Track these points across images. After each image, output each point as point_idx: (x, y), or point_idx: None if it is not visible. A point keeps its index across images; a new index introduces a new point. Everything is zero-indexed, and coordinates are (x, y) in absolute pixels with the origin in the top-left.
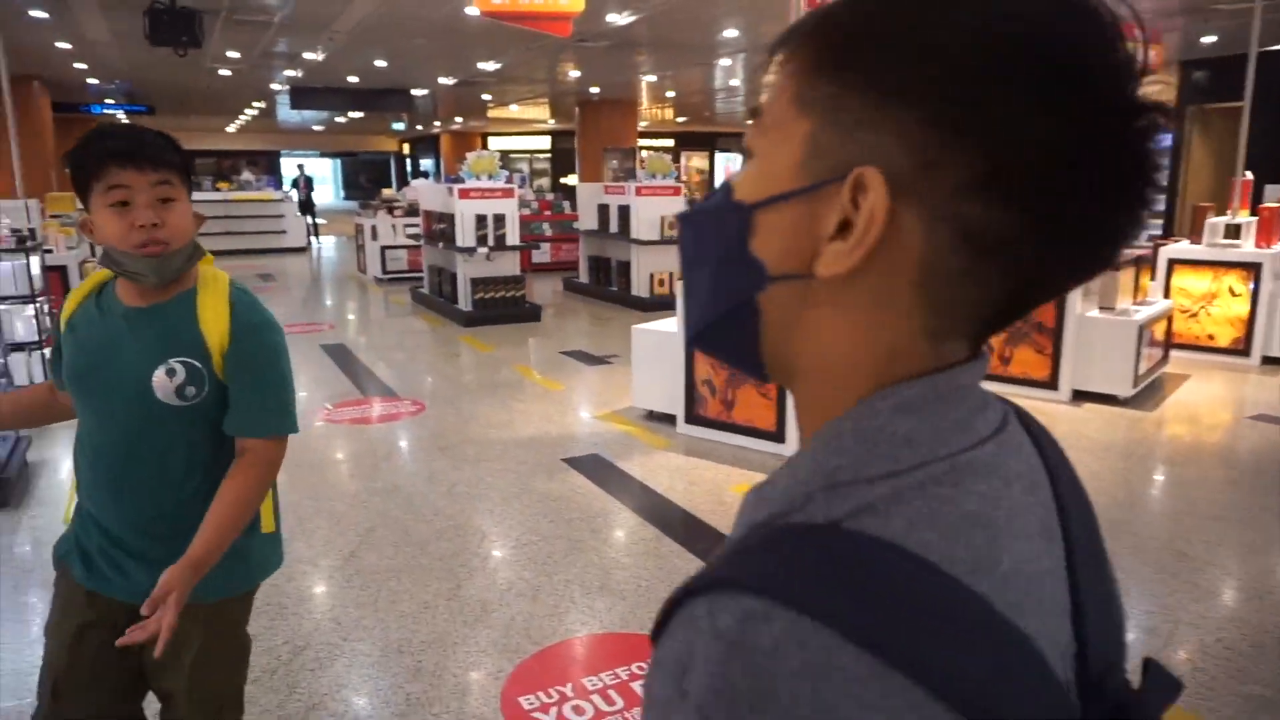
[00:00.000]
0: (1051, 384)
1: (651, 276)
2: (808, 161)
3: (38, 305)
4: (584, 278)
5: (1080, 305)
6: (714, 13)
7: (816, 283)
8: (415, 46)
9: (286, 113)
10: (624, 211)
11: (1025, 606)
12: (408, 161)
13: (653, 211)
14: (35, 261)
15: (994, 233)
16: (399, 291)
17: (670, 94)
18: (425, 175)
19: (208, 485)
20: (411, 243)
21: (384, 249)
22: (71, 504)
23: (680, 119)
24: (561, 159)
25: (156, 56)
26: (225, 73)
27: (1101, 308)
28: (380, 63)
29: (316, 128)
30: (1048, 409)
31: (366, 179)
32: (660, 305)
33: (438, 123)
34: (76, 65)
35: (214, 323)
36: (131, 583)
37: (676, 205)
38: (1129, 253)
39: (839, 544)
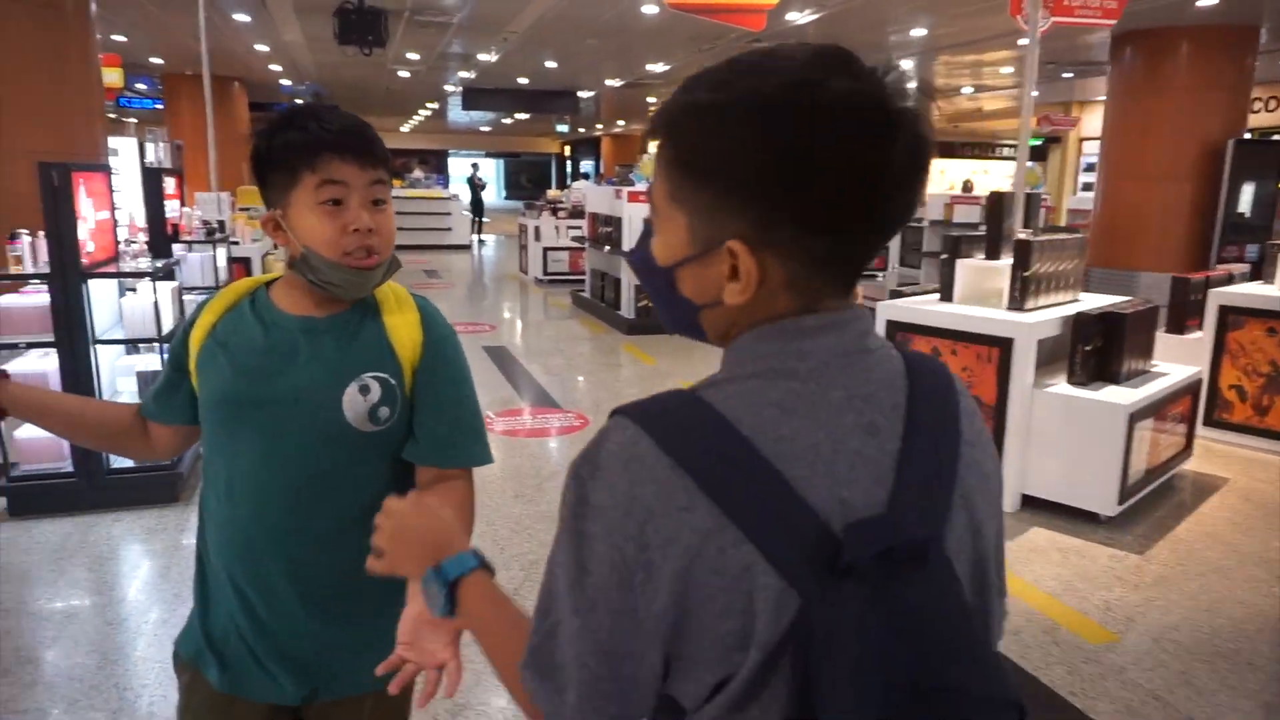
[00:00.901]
0: None
1: None
2: (693, 238)
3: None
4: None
5: (1032, 374)
6: (901, 10)
7: (725, 305)
8: (586, 47)
9: (456, 114)
10: None
11: (798, 466)
12: (568, 163)
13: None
14: (222, 253)
15: (821, 249)
16: (559, 294)
17: None
18: (586, 177)
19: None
20: (575, 245)
21: (546, 250)
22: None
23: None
24: None
25: (343, 58)
26: (404, 74)
27: (1072, 379)
28: (550, 64)
29: (484, 128)
30: None
31: (527, 179)
32: None
33: (599, 125)
34: (272, 67)
35: (406, 333)
36: (291, 679)
37: None
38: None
39: (686, 401)
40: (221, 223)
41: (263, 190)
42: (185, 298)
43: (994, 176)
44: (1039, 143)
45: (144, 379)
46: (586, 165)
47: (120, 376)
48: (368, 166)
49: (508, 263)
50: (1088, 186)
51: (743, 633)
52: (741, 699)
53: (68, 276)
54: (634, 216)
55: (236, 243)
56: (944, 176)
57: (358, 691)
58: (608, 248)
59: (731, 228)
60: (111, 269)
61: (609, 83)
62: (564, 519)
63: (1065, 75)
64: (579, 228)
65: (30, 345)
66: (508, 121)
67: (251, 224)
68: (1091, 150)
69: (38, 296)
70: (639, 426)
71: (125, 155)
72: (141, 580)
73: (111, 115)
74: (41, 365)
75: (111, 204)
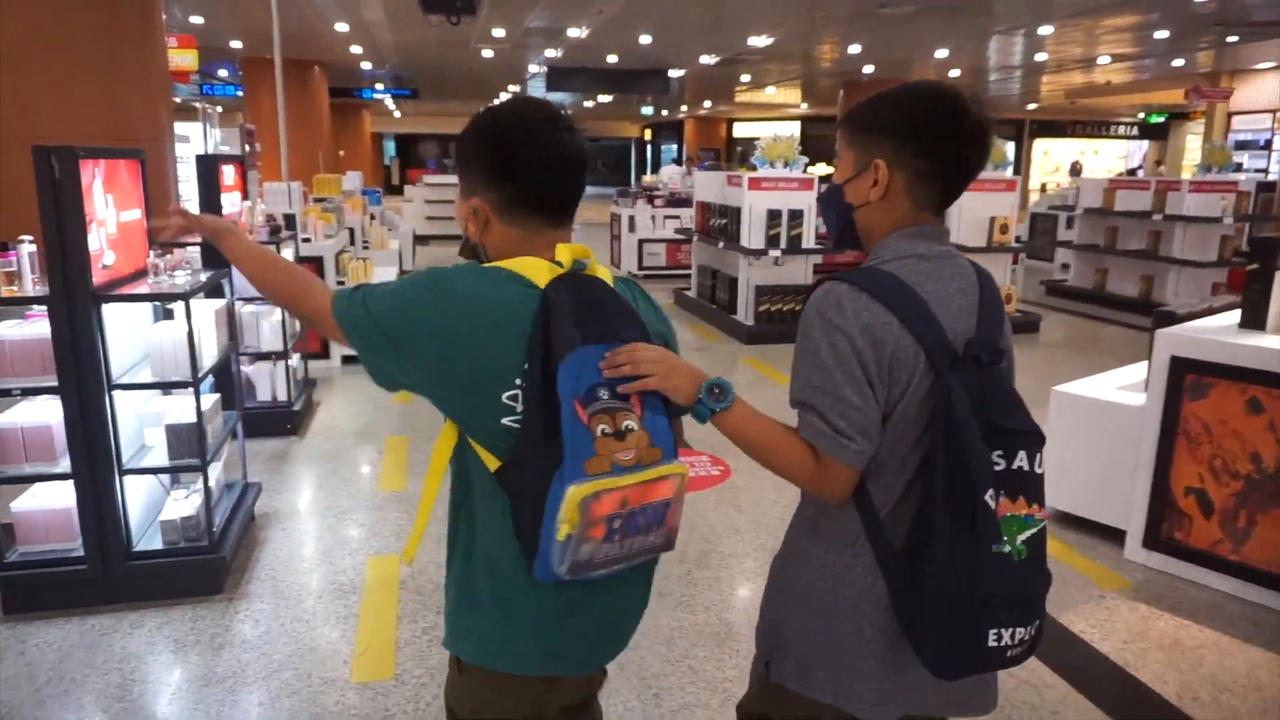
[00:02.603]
0: None
1: None
2: (855, 164)
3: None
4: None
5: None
6: None
7: (872, 204)
8: (688, 18)
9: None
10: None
11: (937, 304)
12: (648, 147)
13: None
14: (289, 253)
15: (926, 172)
16: (659, 291)
17: (954, 73)
18: (677, 162)
19: None
20: (676, 237)
21: (642, 242)
22: (416, 548)
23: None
24: (812, 146)
25: (426, 37)
26: (488, 54)
27: None
28: (645, 38)
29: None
30: None
31: (604, 164)
32: None
33: (684, 107)
34: (353, 49)
35: None
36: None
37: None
38: None
39: (870, 270)
40: (290, 217)
41: (469, 170)
42: (245, 310)
43: (1105, 157)
44: (1162, 119)
45: (176, 435)
46: (667, 149)
47: (149, 428)
48: (568, 225)
49: (597, 256)
50: (1239, 166)
51: (907, 383)
52: (904, 421)
53: (73, 299)
54: (755, 206)
55: (308, 239)
56: (1047, 158)
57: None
58: (722, 242)
59: (877, 154)
60: (135, 288)
61: (703, 59)
62: (816, 338)
63: (1230, 40)
64: (677, 217)
65: (26, 391)
66: (589, 104)
67: (325, 218)
68: (1245, 125)
69: (36, 326)
70: (850, 284)
71: (198, 142)
72: (168, 714)
73: (195, 102)
74: (38, 416)
75: (145, 200)
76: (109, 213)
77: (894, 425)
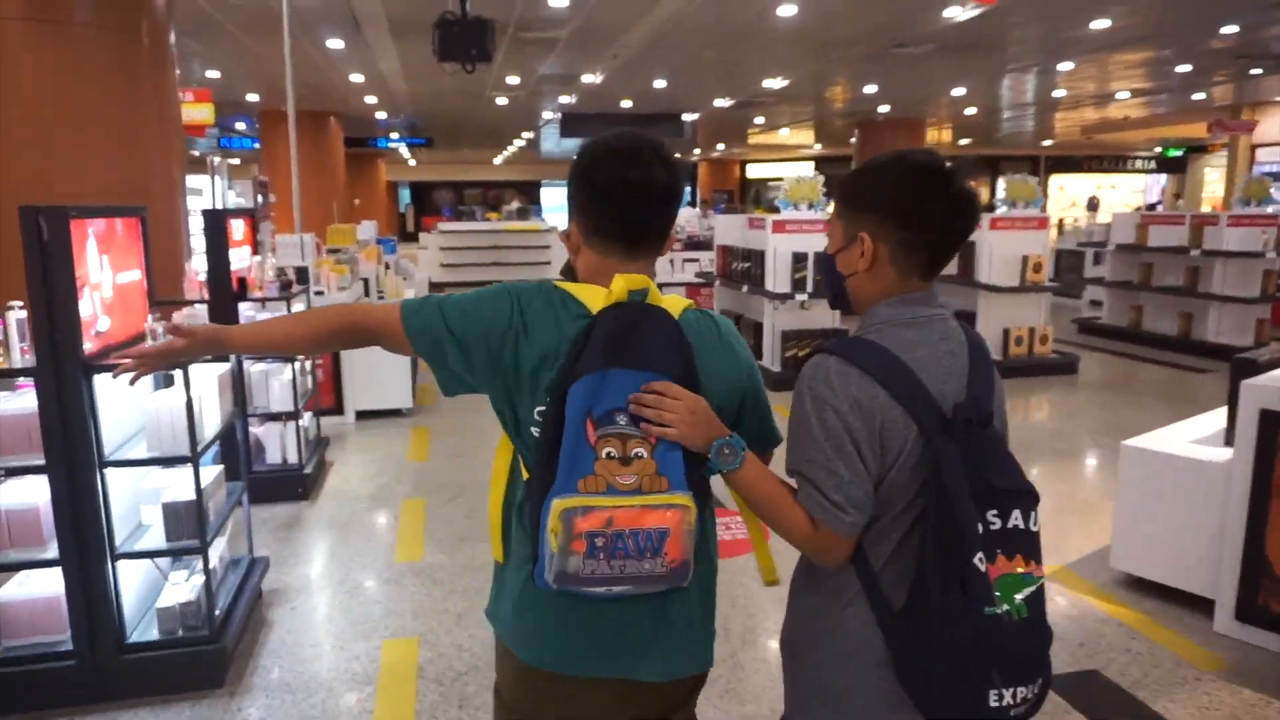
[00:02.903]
0: None
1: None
2: (844, 236)
3: (297, 366)
4: None
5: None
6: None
7: (860, 274)
8: (702, 61)
9: (549, 144)
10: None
11: (925, 371)
12: None
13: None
14: (300, 309)
15: (909, 243)
16: None
17: (970, 111)
18: (691, 205)
19: None
20: (696, 280)
21: (661, 286)
22: (501, 544)
23: (964, 140)
24: (828, 187)
25: (440, 87)
26: (502, 101)
27: None
28: (659, 83)
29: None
30: None
31: None
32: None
33: (697, 150)
34: (368, 99)
35: None
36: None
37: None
38: None
39: (856, 341)
40: (303, 270)
41: (569, 198)
42: (254, 369)
43: (1122, 191)
44: (1180, 153)
45: (174, 514)
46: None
47: (145, 505)
48: (646, 256)
49: None
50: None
51: (899, 451)
52: (897, 485)
53: (61, 369)
54: (780, 249)
55: (321, 292)
56: (1063, 193)
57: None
58: (746, 286)
59: (861, 228)
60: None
61: (717, 103)
62: (807, 413)
63: (1254, 72)
64: (696, 260)
65: (10, 471)
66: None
67: (338, 269)
68: (1269, 158)
69: (24, 399)
70: (838, 356)
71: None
72: None
73: (213, 155)
74: (24, 497)
75: (146, 260)
76: (104, 275)
77: (887, 489)
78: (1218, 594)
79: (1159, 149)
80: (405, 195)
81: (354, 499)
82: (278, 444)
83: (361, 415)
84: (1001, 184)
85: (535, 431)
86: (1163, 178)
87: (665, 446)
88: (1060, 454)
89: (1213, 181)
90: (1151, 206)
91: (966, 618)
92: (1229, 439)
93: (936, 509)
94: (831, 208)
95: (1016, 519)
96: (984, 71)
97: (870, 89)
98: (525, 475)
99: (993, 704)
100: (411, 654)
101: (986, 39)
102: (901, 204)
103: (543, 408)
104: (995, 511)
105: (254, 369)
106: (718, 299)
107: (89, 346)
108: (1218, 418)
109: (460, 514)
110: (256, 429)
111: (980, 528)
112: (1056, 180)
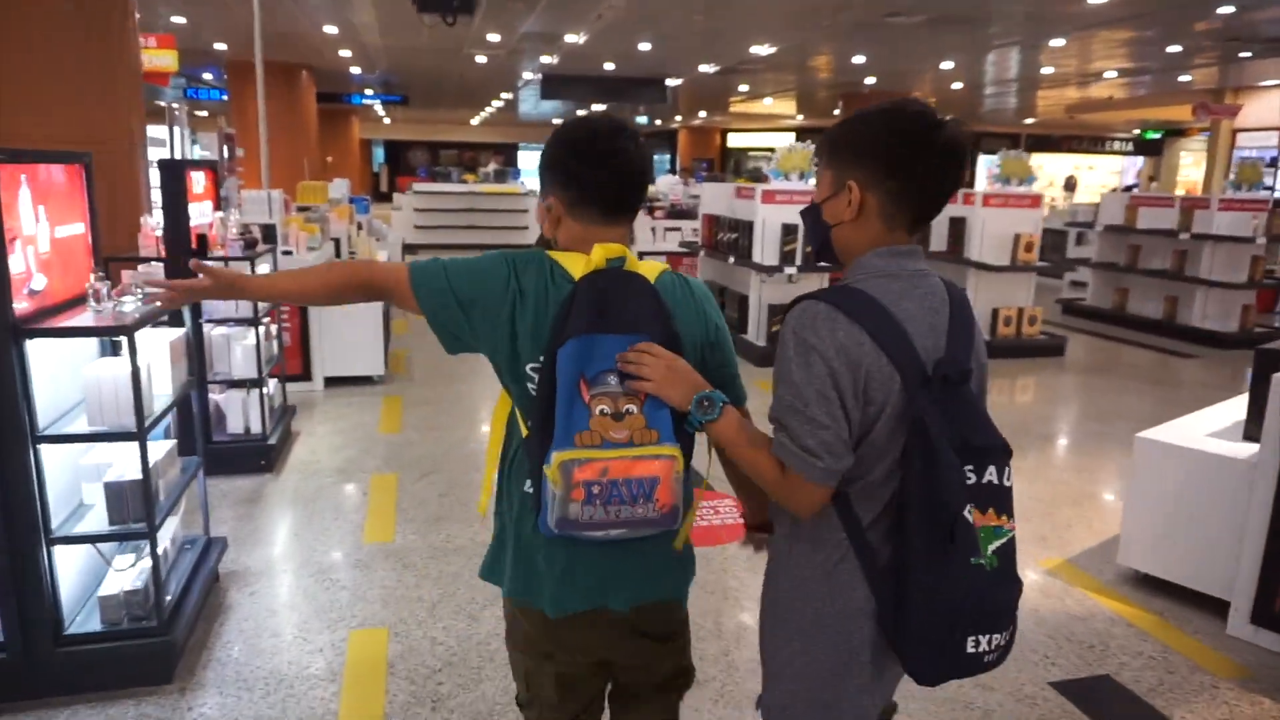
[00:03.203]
0: None
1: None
2: (833, 185)
3: (261, 330)
4: None
5: None
6: None
7: (846, 224)
8: (690, 24)
9: (528, 106)
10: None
11: (909, 323)
12: None
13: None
14: (265, 268)
15: (897, 193)
16: None
17: (956, 85)
18: (673, 173)
19: None
20: (680, 250)
21: (641, 255)
22: (489, 498)
23: (948, 116)
24: None
25: (417, 42)
26: (481, 59)
27: None
28: (644, 45)
29: (556, 120)
30: None
31: None
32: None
33: (678, 117)
34: (342, 53)
35: None
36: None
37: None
38: None
39: (844, 289)
40: (270, 228)
41: (546, 173)
42: (215, 333)
43: (1099, 172)
44: (1157, 136)
45: (117, 496)
46: (660, 160)
47: (88, 483)
48: (623, 224)
49: None
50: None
51: (883, 403)
52: (883, 438)
53: None
54: (769, 220)
55: (289, 252)
56: (1042, 172)
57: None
58: (732, 257)
59: (851, 176)
60: (70, 318)
61: (702, 68)
62: (790, 357)
63: (1243, 55)
64: (678, 229)
65: None
66: (583, 113)
67: (308, 229)
68: (1250, 143)
69: None
70: (826, 303)
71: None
72: None
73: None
74: None
75: (91, 212)
76: (40, 228)
77: (873, 442)
78: (1233, 596)
79: (1137, 131)
80: (379, 154)
81: (321, 472)
82: (240, 413)
83: (331, 382)
84: (996, 160)
85: (531, 388)
86: (1139, 160)
87: (654, 404)
88: (1053, 439)
89: (1187, 165)
90: (1129, 188)
91: (953, 567)
92: (1249, 433)
93: (921, 464)
94: (819, 153)
95: (991, 474)
96: (975, 45)
97: (859, 59)
98: (524, 432)
99: (969, 650)
100: (381, 647)
101: (980, 11)
102: (892, 152)
103: (535, 364)
104: (972, 467)
105: (215, 333)
106: (701, 270)
107: (21, 307)
108: (1232, 409)
109: (434, 492)
110: (217, 396)
111: None
112: (1037, 159)
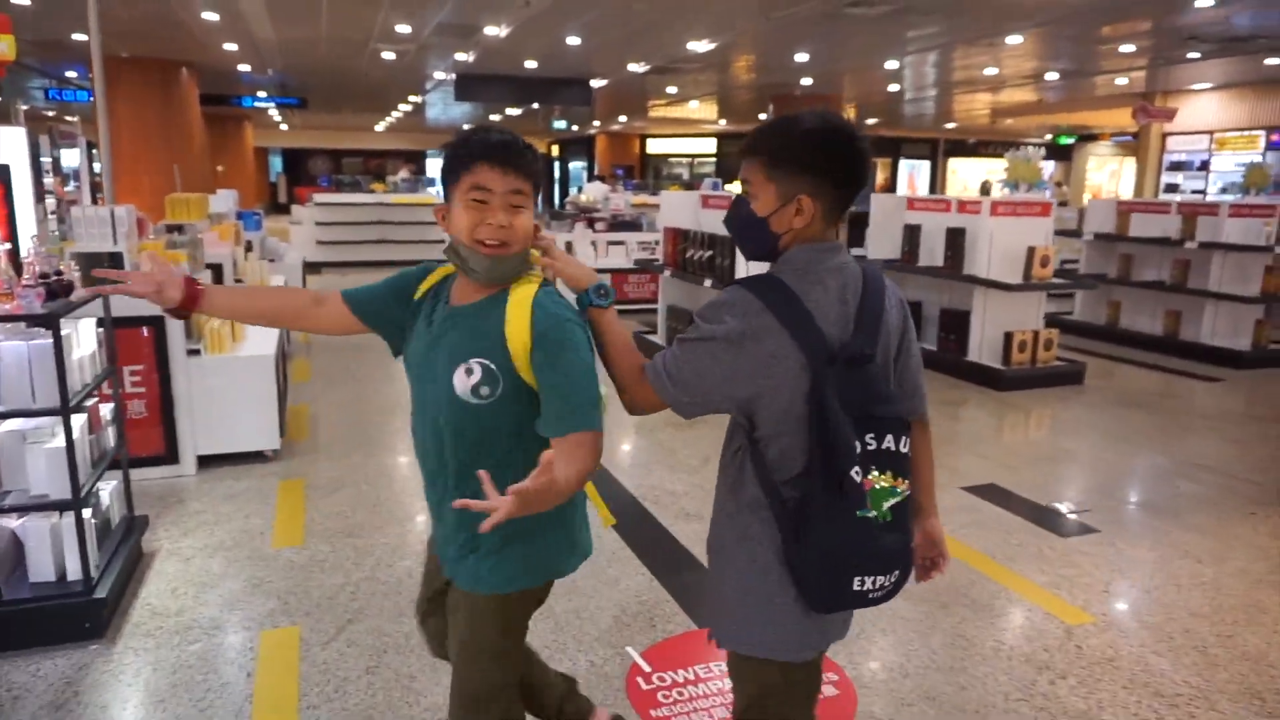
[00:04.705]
0: None
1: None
2: (778, 197)
3: (80, 421)
4: None
5: None
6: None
7: (792, 230)
8: (629, 15)
9: (436, 111)
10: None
11: (817, 312)
12: (556, 164)
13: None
14: (88, 327)
15: (838, 198)
16: None
17: (893, 88)
18: (601, 179)
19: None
20: (626, 266)
21: (602, 272)
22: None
23: (871, 120)
24: (729, 165)
25: (315, 35)
26: (389, 55)
27: None
28: (573, 40)
29: (466, 126)
30: None
31: None
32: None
33: (596, 122)
34: (227, 47)
35: (517, 327)
36: (447, 565)
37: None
38: None
39: (769, 278)
40: (116, 256)
41: (443, 189)
42: (3, 431)
43: None
44: (1071, 140)
45: None
46: (576, 166)
47: None
48: (510, 175)
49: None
50: (1171, 187)
51: (791, 386)
52: (783, 419)
53: None
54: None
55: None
56: (956, 177)
57: (466, 588)
58: (709, 280)
59: (800, 190)
60: None
61: (631, 67)
62: (701, 330)
63: (1192, 55)
64: (622, 242)
65: None
66: (495, 118)
67: (172, 256)
68: (1180, 146)
69: None
70: (746, 289)
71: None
72: None
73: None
74: None
75: None
76: None
77: (778, 410)
78: None
79: (1049, 136)
80: (277, 163)
81: (182, 632)
82: (48, 550)
83: (206, 462)
84: (1003, 163)
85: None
86: (1052, 164)
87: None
88: (1152, 506)
89: (1092, 169)
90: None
91: (841, 516)
92: None
93: (819, 430)
94: (748, 166)
95: (889, 442)
96: (930, 40)
97: (801, 57)
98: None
99: (855, 588)
100: None
101: (944, 4)
102: (836, 164)
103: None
104: (872, 435)
105: (3, 431)
106: (664, 292)
107: None
108: None
109: (359, 661)
110: (12, 523)
111: (859, 447)
112: (952, 164)
